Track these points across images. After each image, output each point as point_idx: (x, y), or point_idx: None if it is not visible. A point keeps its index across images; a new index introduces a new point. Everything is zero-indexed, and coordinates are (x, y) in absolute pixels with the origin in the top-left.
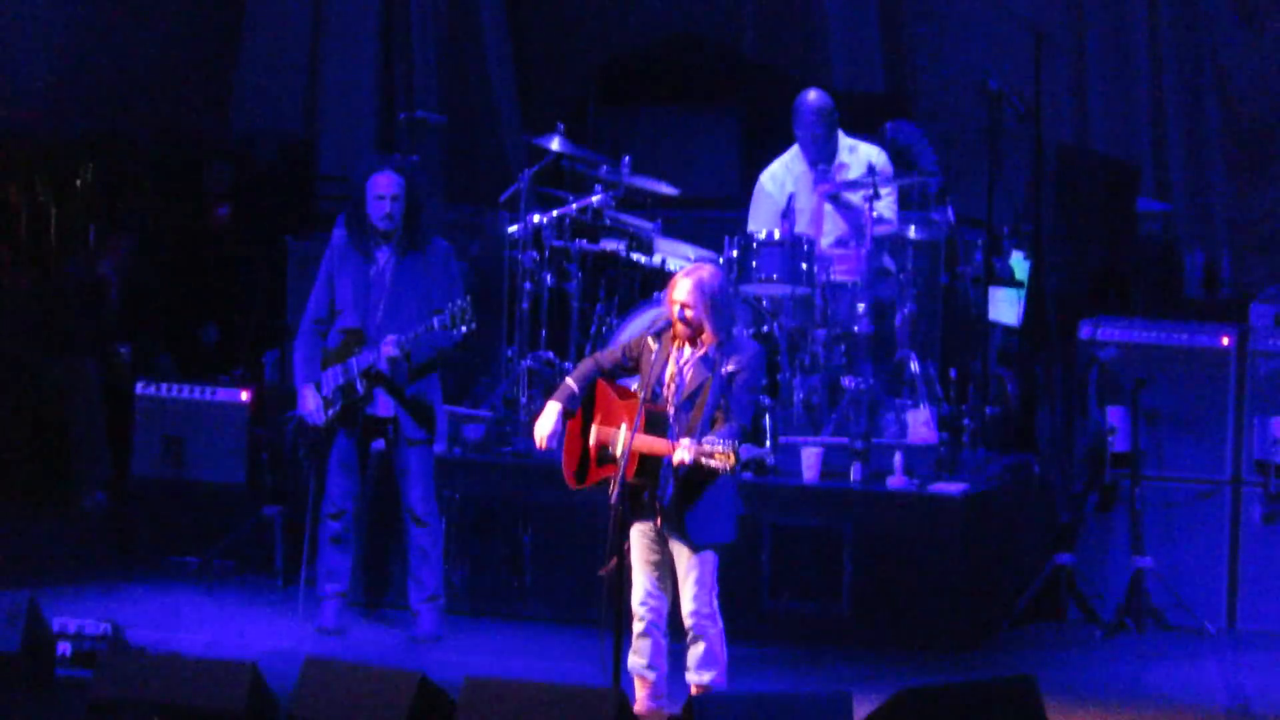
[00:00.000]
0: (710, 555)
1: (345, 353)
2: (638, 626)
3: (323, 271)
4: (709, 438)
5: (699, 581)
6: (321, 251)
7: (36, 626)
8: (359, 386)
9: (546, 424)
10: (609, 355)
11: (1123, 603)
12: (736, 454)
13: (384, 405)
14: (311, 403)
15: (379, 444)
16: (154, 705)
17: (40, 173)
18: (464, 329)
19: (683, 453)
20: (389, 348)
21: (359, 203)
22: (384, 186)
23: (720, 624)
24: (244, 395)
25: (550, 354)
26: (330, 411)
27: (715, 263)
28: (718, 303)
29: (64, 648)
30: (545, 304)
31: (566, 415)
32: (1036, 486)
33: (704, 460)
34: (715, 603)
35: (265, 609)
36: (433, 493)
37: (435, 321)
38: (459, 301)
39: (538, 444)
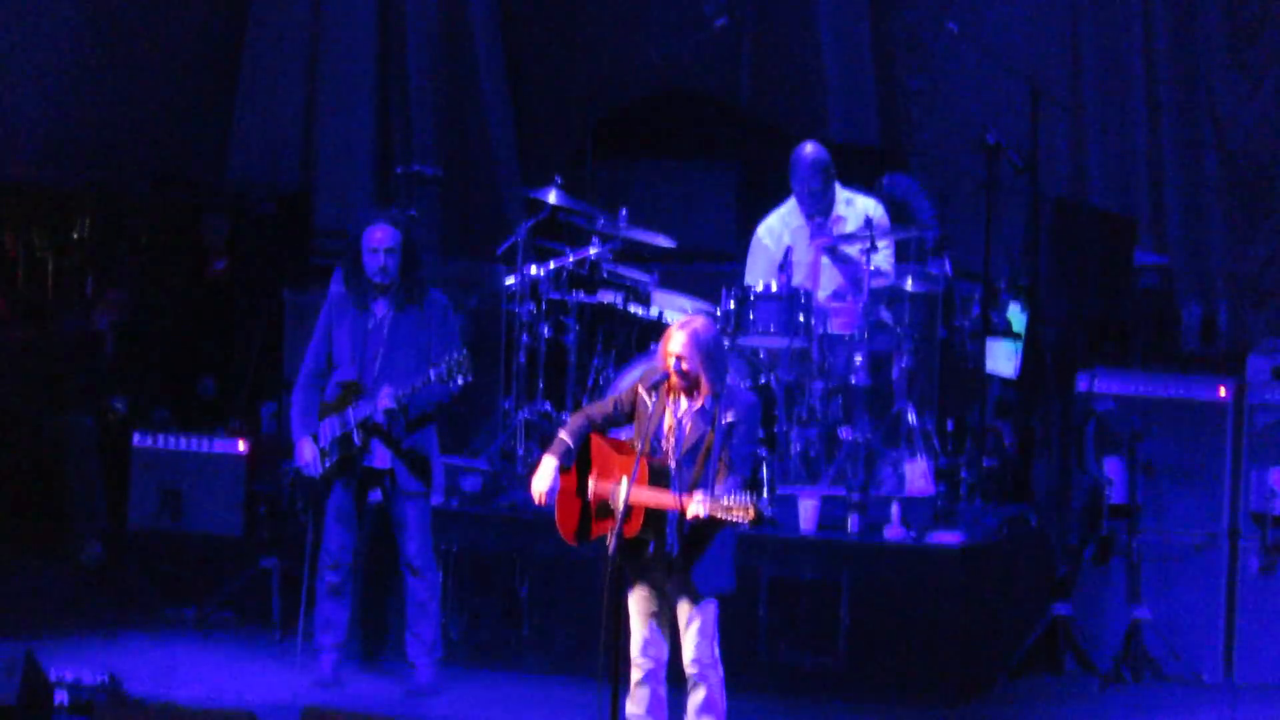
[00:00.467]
0: (712, 604)
1: (342, 404)
2: (636, 675)
3: (321, 324)
4: (720, 489)
5: (701, 631)
6: (318, 304)
7: (34, 677)
8: (356, 438)
9: (544, 480)
10: (600, 408)
11: (1120, 654)
12: (758, 508)
13: (381, 457)
14: (308, 454)
15: (376, 496)
16: None
17: (37, 225)
18: (460, 381)
19: (697, 507)
20: (385, 400)
21: (355, 256)
22: (379, 240)
23: (721, 672)
24: (241, 447)
25: (547, 406)
26: (327, 463)
27: (709, 315)
28: (713, 354)
29: (61, 697)
30: (542, 356)
31: (561, 470)
32: (1034, 538)
33: (721, 515)
34: (717, 651)
35: (263, 660)
36: (430, 545)
37: (432, 374)
38: (455, 354)
39: (536, 500)
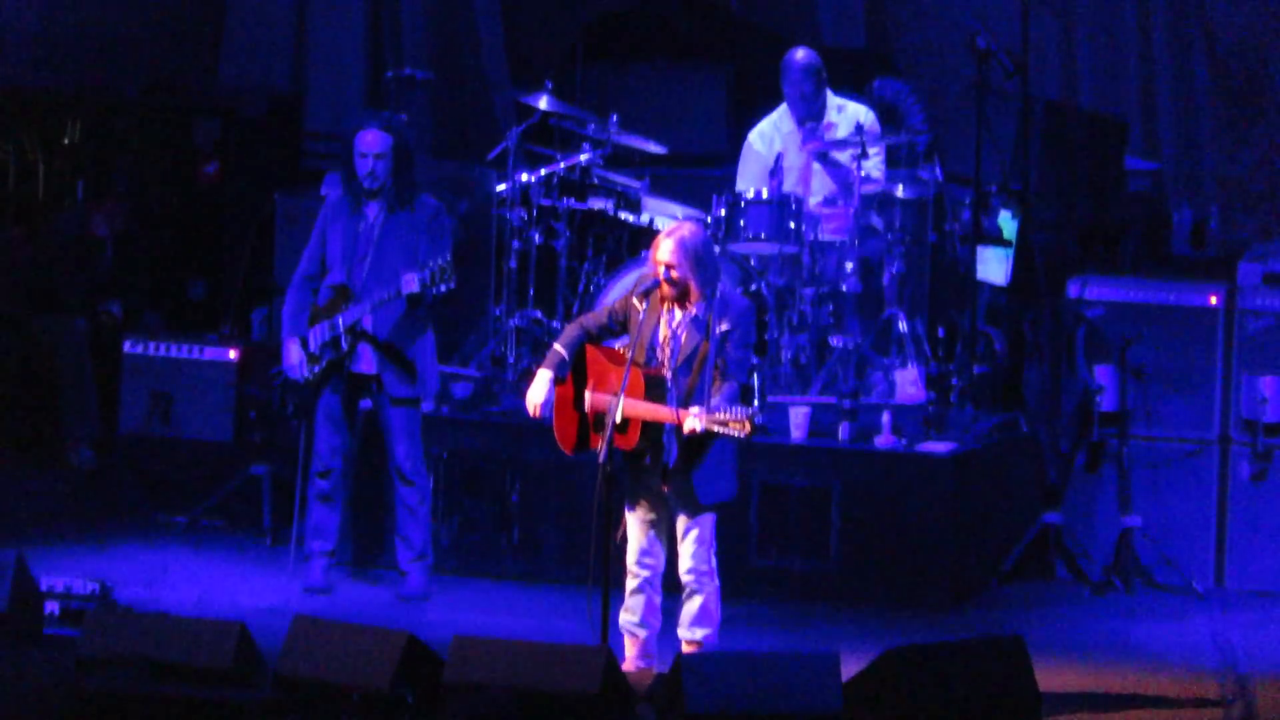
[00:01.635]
0: (711, 513)
1: (332, 309)
2: (631, 584)
3: (317, 227)
4: (716, 403)
5: (699, 539)
6: (309, 208)
7: (24, 585)
8: (343, 343)
9: (539, 392)
10: (594, 318)
11: (1110, 562)
12: (753, 421)
13: (368, 362)
14: (294, 357)
15: (366, 402)
16: (142, 663)
17: (28, 129)
18: (443, 287)
19: (694, 422)
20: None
21: (348, 160)
22: (368, 144)
23: (717, 581)
24: (232, 353)
25: (538, 312)
26: (316, 367)
27: (700, 221)
28: (702, 259)
29: (52, 606)
30: (533, 262)
31: (557, 382)
32: (1024, 445)
33: (718, 429)
34: (714, 560)
35: (253, 567)
36: (420, 451)
37: (415, 279)
38: (439, 259)
39: (530, 412)
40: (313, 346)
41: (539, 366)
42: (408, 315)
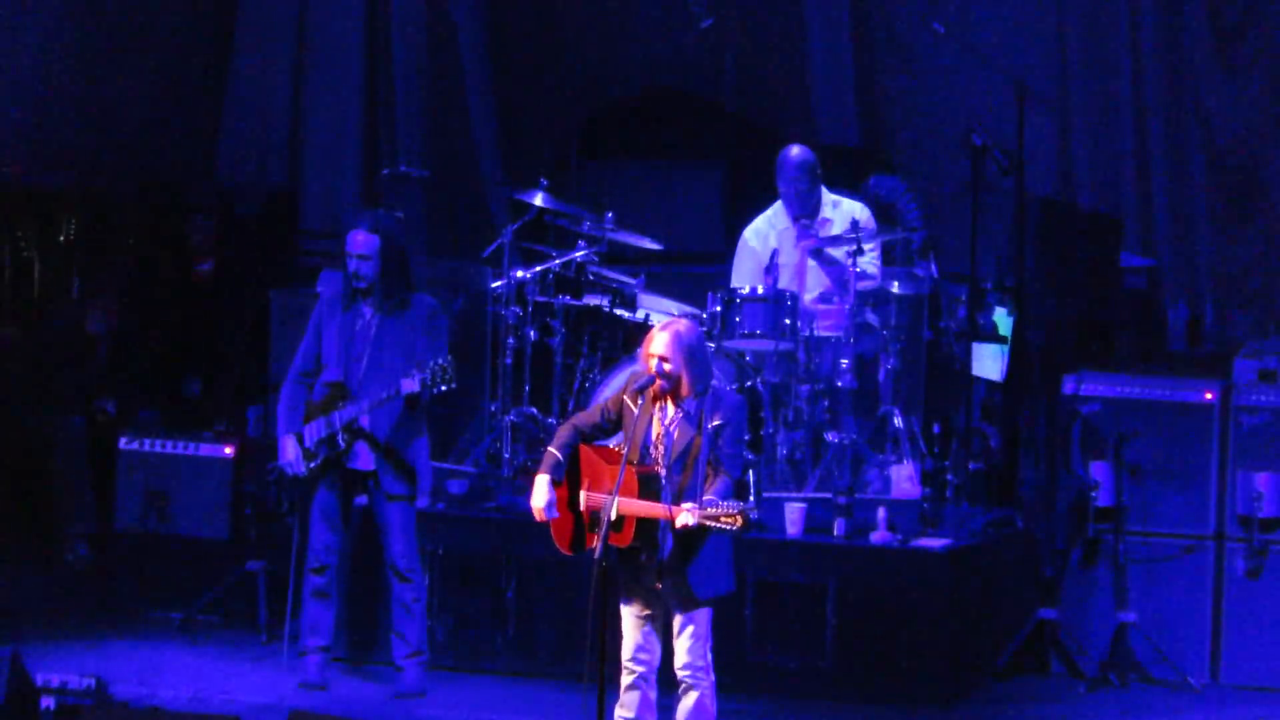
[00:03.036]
0: (707, 609)
1: (329, 406)
2: (626, 679)
3: (311, 324)
4: (709, 498)
5: (695, 635)
6: (305, 305)
7: (20, 681)
8: (340, 440)
9: (541, 496)
10: (587, 418)
11: (1106, 657)
12: (746, 515)
13: (365, 459)
14: (291, 453)
15: (361, 499)
16: None
17: (23, 226)
18: (443, 388)
19: (686, 517)
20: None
21: (343, 259)
22: (356, 245)
23: (713, 677)
24: (228, 450)
25: (533, 409)
26: (312, 464)
27: (695, 317)
28: (694, 354)
29: (48, 702)
30: (528, 359)
31: (554, 484)
32: (1020, 541)
33: (711, 524)
34: (710, 655)
35: (249, 663)
36: (415, 548)
37: (416, 380)
38: (439, 359)
39: (537, 517)
40: (309, 443)
41: (536, 472)
42: (405, 415)
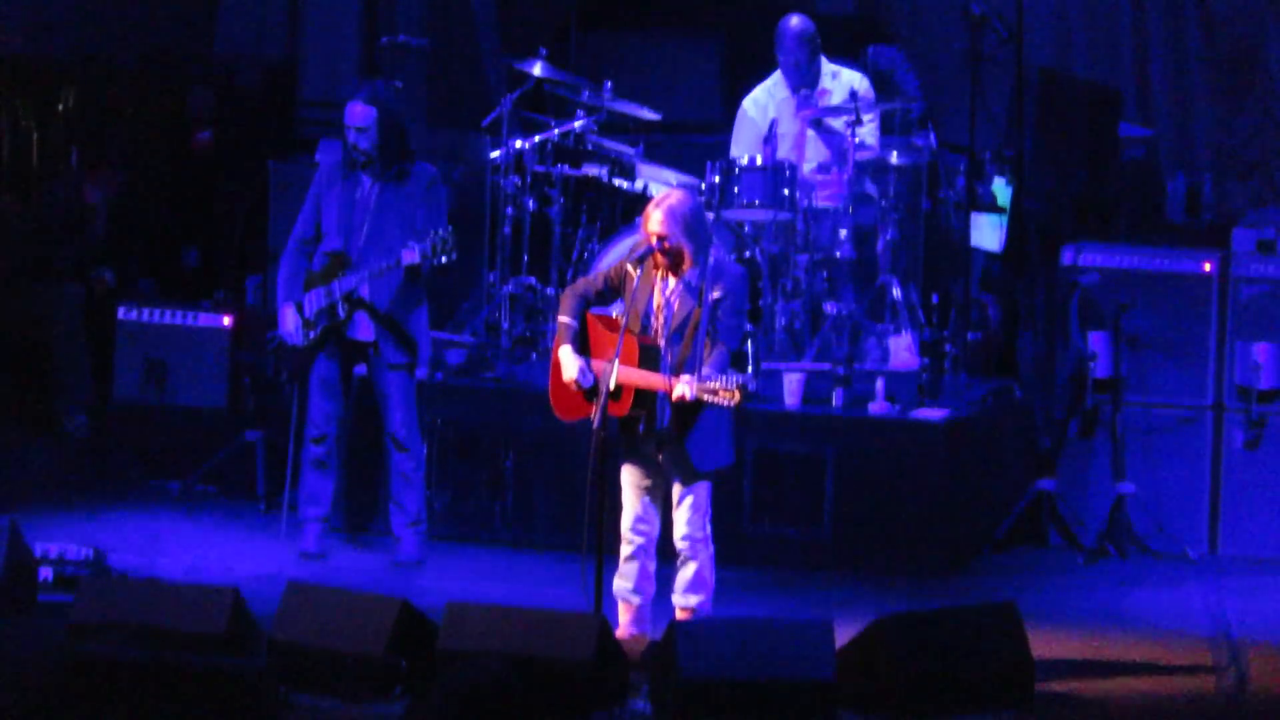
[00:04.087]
0: (707, 480)
1: (329, 275)
2: (625, 550)
3: (311, 192)
4: (707, 371)
5: (694, 506)
6: (304, 175)
7: (18, 551)
8: (340, 310)
9: (572, 366)
10: (590, 284)
11: (1104, 528)
12: (742, 390)
13: (364, 329)
14: (291, 322)
15: (361, 369)
16: (136, 630)
17: (22, 97)
18: (444, 259)
19: (683, 388)
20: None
21: (343, 130)
22: (353, 117)
23: (712, 548)
24: (226, 320)
25: (532, 279)
26: (311, 333)
27: (693, 188)
28: (692, 227)
29: (46, 573)
30: (527, 229)
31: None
32: (1018, 412)
33: (707, 397)
34: (709, 527)
35: (247, 533)
36: (415, 418)
37: (416, 250)
38: (440, 231)
39: (572, 388)
40: (308, 312)
41: (555, 344)
42: (405, 285)
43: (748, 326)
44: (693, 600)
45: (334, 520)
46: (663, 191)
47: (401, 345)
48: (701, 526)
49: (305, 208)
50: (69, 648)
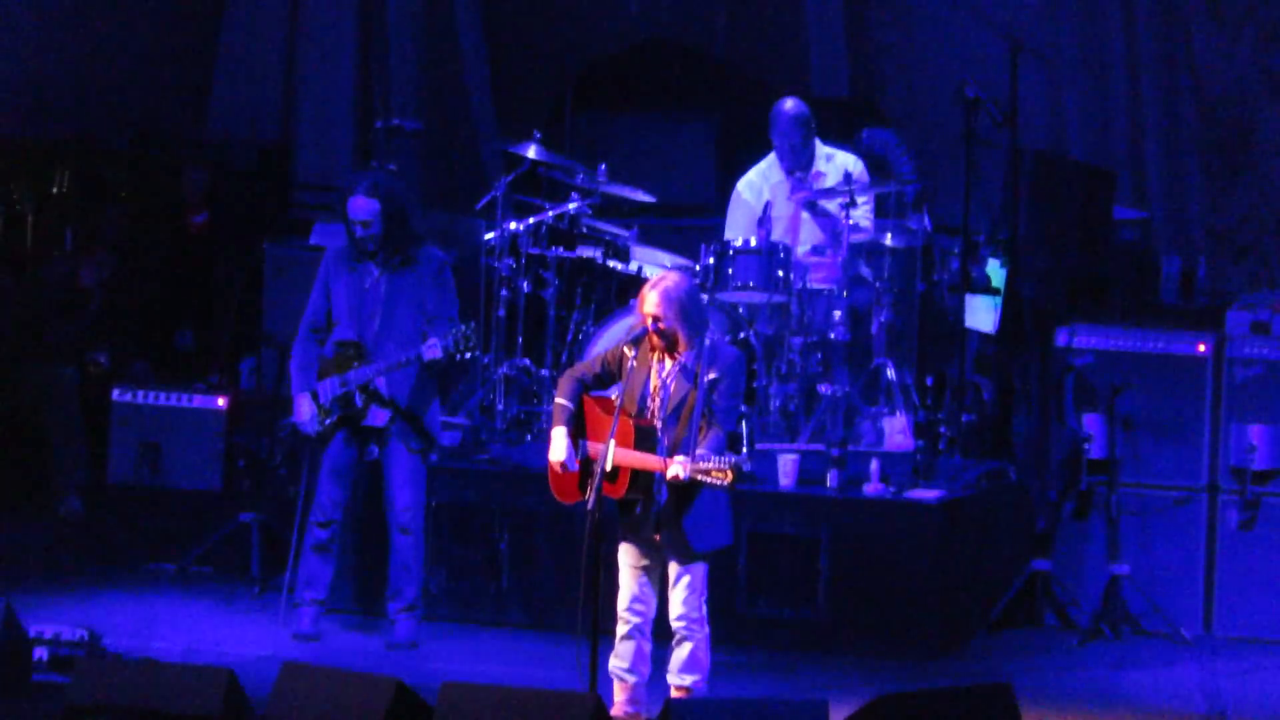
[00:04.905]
0: (704, 561)
1: (344, 365)
2: (621, 629)
3: (320, 279)
4: (701, 452)
5: (691, 586)
6: (298, 257)
7: (13, 631)
8: (357, 400)
9: (560, 449)
10: (588, 368)
11: (1099, 609)
12: (736, 470)
13: (379, 416)
14: (306, 411)
15: (374, 452)
16: (130, 711)
17: (17, 178)
18: (467, 355)
19: (677, 469)
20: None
21: (345, 221)
22: (355, 212)
23: (708, 629)
24: (221, 402)
25: (527, 361)
26: (327, 420)
27: (687, 269)
28: (687, 309)
29: (41, 653)
30: (522, 311)
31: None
32: (1013, 493)
33: (701, 478)
34: (705, 608)
35: (242, 615)
36: (421, 503)
37: (439, 346)
38: (461, 326)
39: (559, 470)
40: (323, 400)
41: (551, 426)
42: (422, 377)
43: (743, 408)
44: (688, 680)
45: (331, 602)
46: (658, 274)
47: (417, 431)
48: (698, 607)
49: (314, 295)
50: None
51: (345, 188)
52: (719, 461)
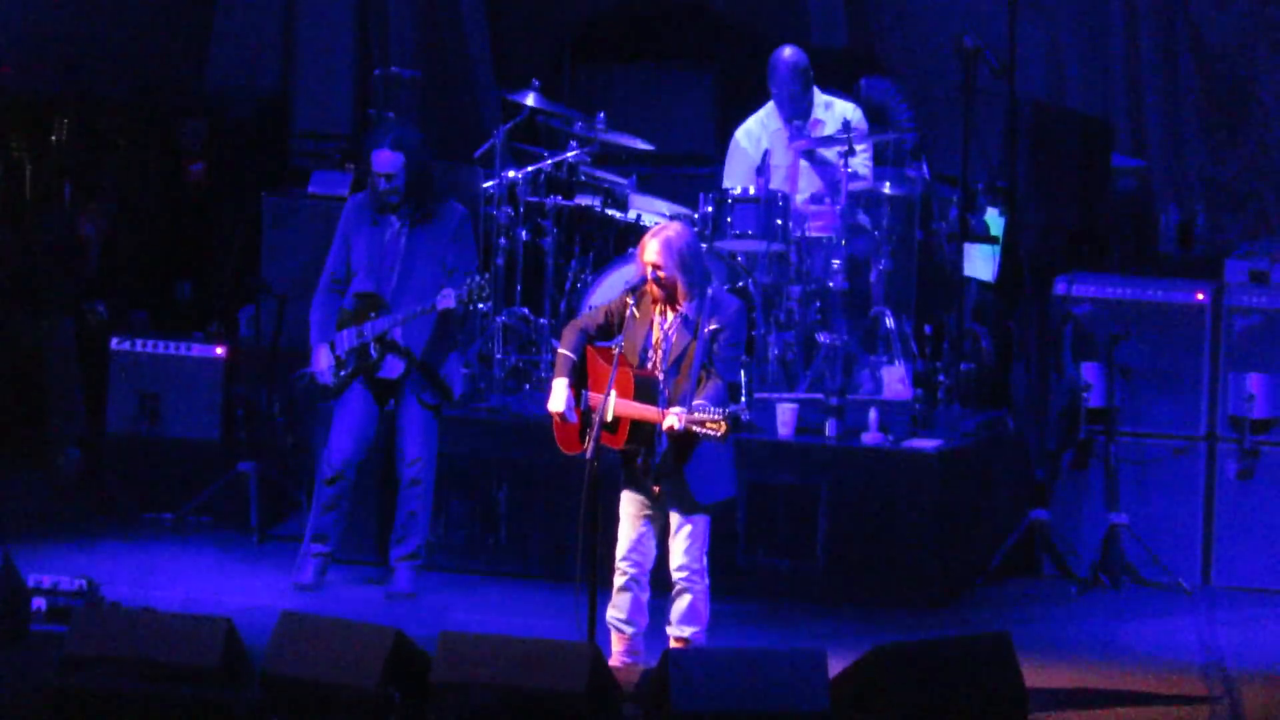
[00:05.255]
0: (706, 513)
1: (360, 316)
2: (619, 580)
3: (340, 232)
4: (698, 403)
5: (692, 536)
6: (296, 207)
7: (11, 582)
8: (372, 351)
9: (559, 399)
10: (592, 319)
11: (1097, 559)
12: (730, 421)
13: (394, 368)
14: (324, 361)
15: (389, 405)
16: (129, 661)
17: (15, 130)
18: (480, 305)
19: (672, 419)
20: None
21: (368, 174)
22: (382, 164)
23: (707, 580)
24: (219, 351)
25: (525, 310)
26: (343, 372)
27: (686, 219)
28: (687, 259)
29: (39, 603)
30: (520, 260)
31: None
32: (1011, 443)
33: (695, 429)
34: (705, 559)
35: (241, 564)
36: (433, 455)
37: (452, 296)
38: (476, 277)
39: (557, 419)
40: (340, 350)
41: (553, 376)
42: (439, 328)
43: (744, 358)
44: (687, 631)
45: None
46: (660, 223)
47: (434, 386)
48: (699, 558)
49: (335, 247)
50: (62, 679)
51: (370, 142)
52: (714, 413)
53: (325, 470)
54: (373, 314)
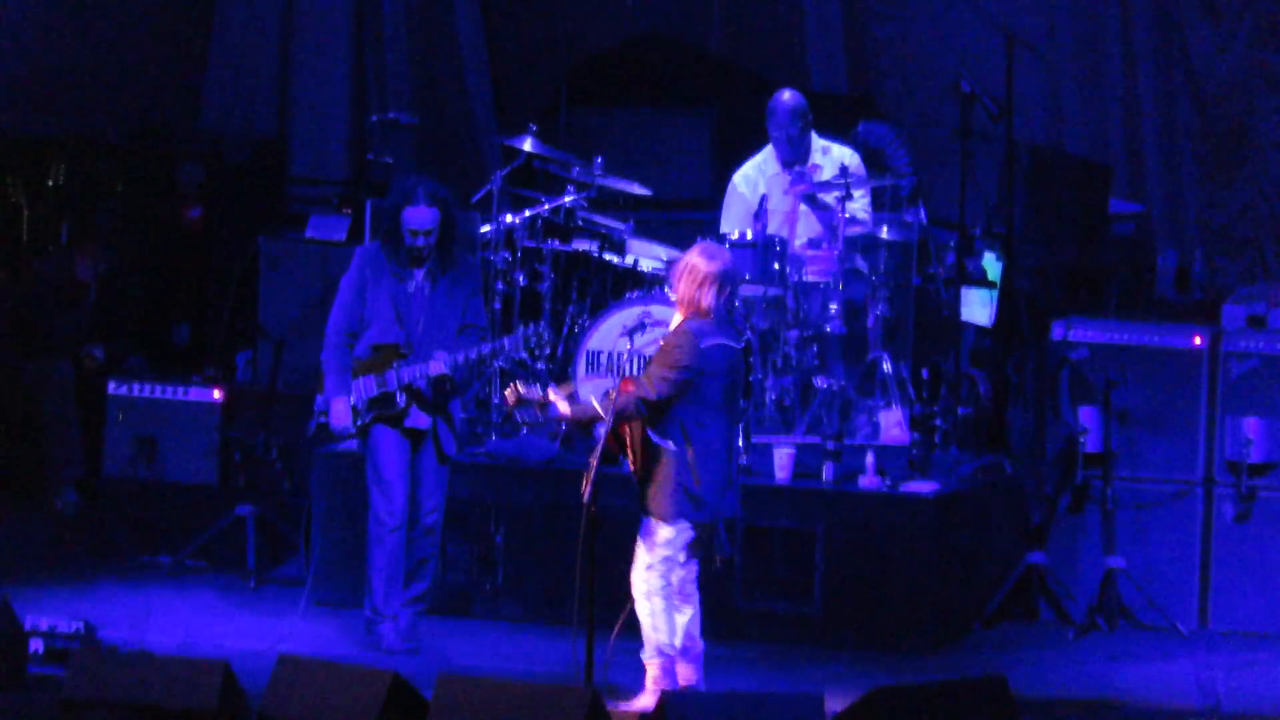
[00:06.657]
0: (651, 529)
1: (382, 366)
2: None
3: (352, 286)
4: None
5: (637, 553)
6: (293, 251)
7: (8, 624)
8: (399, 400)
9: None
10: None
11: (1095, 602)
12: (530, 398)
13: (421, 418)
14: (345, 417)
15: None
16: (126, 704)
17: (12, 172)
18: (537, 355)
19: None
20: (439, 365)
21: (395, 228)
22: (419, 222)
23: (654, 604)
24: (216, 395)
25: (523, 354)
26: (359, 421)
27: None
28: (680, 276)
29: (36, 645)
30: (518, 304)
31: None
32: (1008, 487)
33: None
34: (653, 580)
35: (238, 608)
36: (443, 505)
37: (507, 343)
38: (534, 326)
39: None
40: (356, 402)
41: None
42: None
43: (674, 377)
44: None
45: (324, 595)
46: (657, 267)
47: (453, 435)
48: (639, 574)
49: (348, 300)
50: None
51: (399, 197)
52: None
53: (387, 520)
54: (396, 364)
